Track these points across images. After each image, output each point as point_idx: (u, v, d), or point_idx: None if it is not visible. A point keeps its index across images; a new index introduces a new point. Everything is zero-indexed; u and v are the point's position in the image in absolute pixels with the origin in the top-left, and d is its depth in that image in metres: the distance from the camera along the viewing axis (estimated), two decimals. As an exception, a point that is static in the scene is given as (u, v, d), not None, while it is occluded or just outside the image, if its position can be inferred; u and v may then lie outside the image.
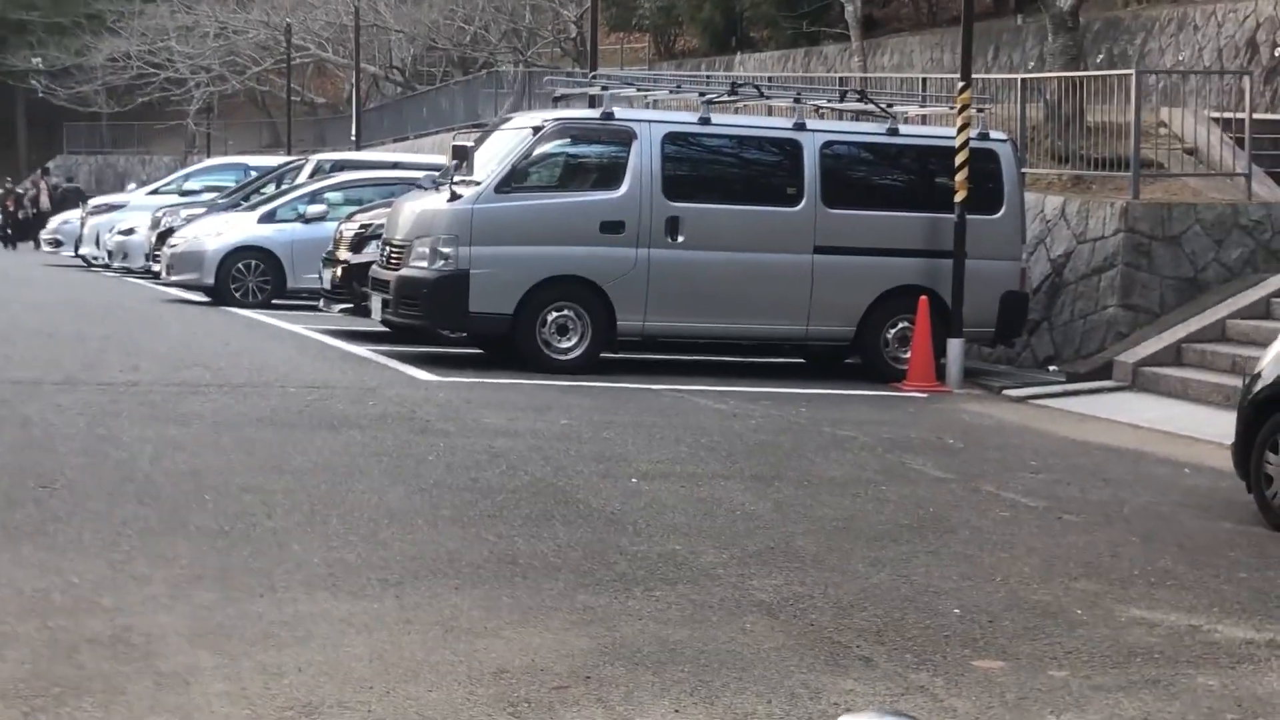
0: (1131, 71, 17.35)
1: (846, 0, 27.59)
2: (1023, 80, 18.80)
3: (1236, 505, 9.87)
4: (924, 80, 20.55)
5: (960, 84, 15.79)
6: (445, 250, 14.90)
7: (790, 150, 15.69)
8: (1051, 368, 16.69)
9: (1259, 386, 9.35)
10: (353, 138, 42.51)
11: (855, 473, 10.71)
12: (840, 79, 22.12)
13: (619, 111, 15.52)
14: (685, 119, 15.76)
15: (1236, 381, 14.21)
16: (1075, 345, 16.67)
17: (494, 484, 9.63)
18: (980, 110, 16.06)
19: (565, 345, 15.17)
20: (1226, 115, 18.68)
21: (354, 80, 45.98)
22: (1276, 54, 23.18)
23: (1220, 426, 13.21)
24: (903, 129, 16.10)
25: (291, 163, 27.07)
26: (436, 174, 16.72)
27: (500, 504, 9.08)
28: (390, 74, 50.45)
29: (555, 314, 15.11)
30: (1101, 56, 25.28)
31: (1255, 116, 17.86)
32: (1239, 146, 17.61)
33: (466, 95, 40.63)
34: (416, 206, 15.57)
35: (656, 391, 14.26)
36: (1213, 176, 17.38)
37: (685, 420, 12.65)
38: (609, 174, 15.36)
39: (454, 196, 15.02)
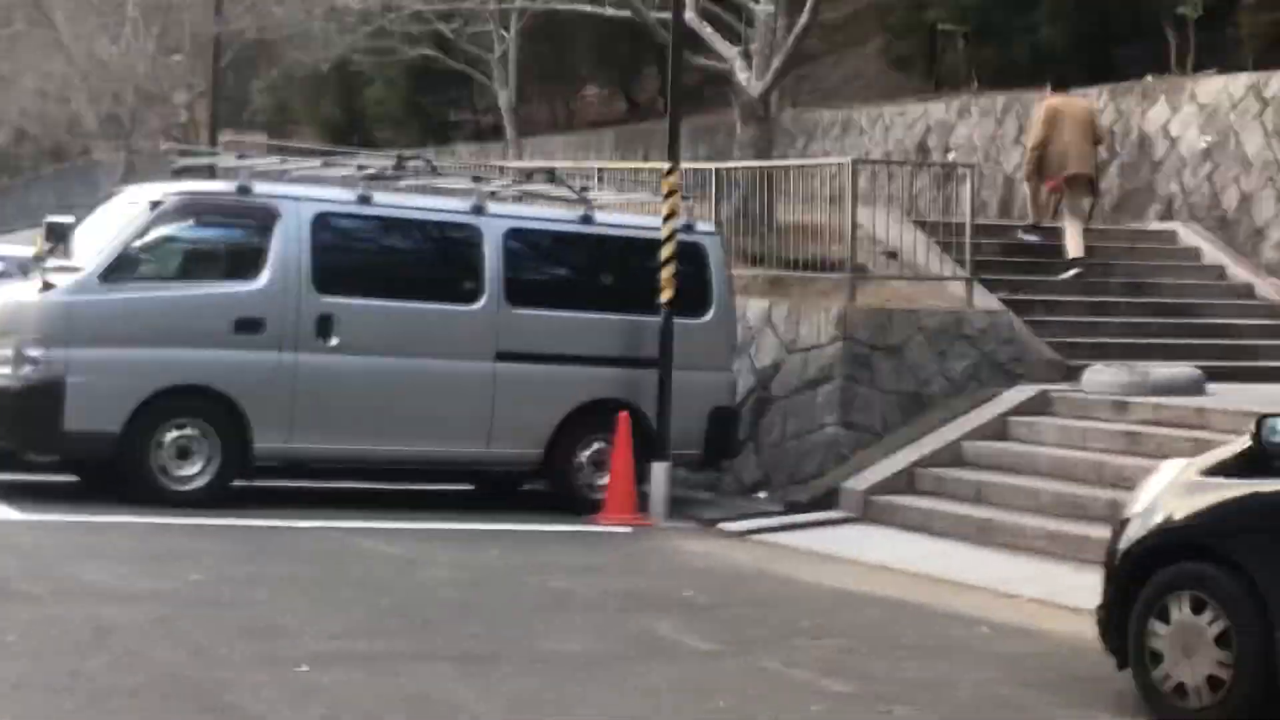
0: (847, 160, 15.47)
1: (500, 88, 25.39)
2: (716, 170, 16.75)
3: (1100, 686, 7.67)
4: (600, 172, 18.36)
5: (667, 166, 13.54)
6: (33, 353, 11.78)
7: (468, 238, 13.12)
8: (761, 494, 14.47)
9: (1135, 536, 7.18)
10: (-73, 233, 37.99)
11: (597, 645, 8.12)
12: (500, 169, 19.68)
13: (259, 186, 12.70)
14: (340, 197, 13.02)
15: (984, 512, 12.33)
16: (789, 469, 14.50)
17: (103, 682, 6.72)
18: (686, 199, 13.84)
19: (187, 473, 12.14)
20: (926, 220, 17.01)
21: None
22: (950, 158, 21.92)
23: (981, 567, 11.24)
24: (598, 217, 13.73)
25: None
26: (27, 259, 13.50)
27: (113, 715, 6.17)
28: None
29: (175, 433, 12.10)
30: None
31: (943, 221, 16.23)
32: (944, 251, 15.91)
33: (59, 187, 36.85)
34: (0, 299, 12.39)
35: (308, 531, 11.39)
36: (930, 281, 15.60)
37: (354, 571, 9.86)
38: (246, 261, 12.49)
39: (46, 286, 11.92)
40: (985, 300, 15.47)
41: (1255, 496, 6.71)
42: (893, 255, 16.26)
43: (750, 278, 15.94)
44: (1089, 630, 9.06)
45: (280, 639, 7.76)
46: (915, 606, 9.95)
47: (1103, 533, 11.23)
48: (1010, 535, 11.84)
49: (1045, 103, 17.39)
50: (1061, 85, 17.67)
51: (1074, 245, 16.76)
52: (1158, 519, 7.09)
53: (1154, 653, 7.05)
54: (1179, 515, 6.99)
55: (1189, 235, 18.13)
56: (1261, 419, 6.55)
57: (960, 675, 7.90)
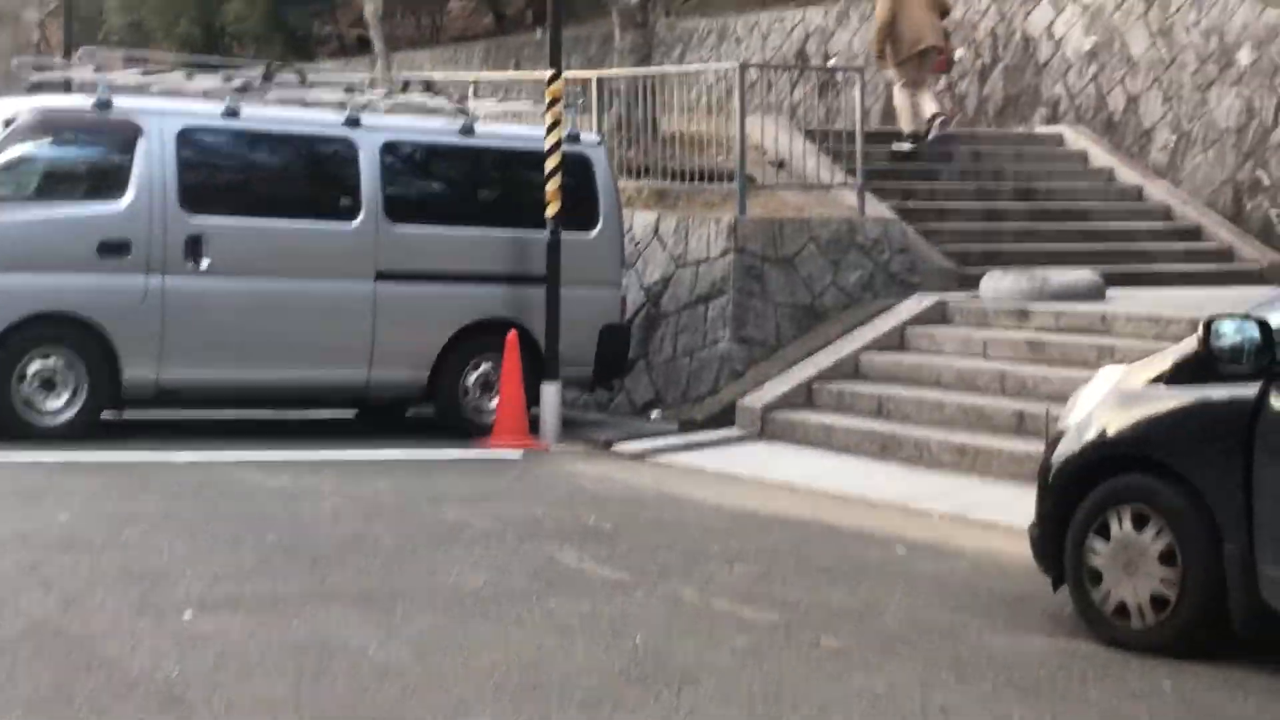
0: (735, 64, 14.94)
1: (367, 1, 24.47)
2: (599, 79, 16.15)
3: (1031, 607, 7.35)
4: (475, 84, 17.67)
5: (550, 74, 12.94)
6: (-120, 282, 11.02)
7: (343, 152, 12.45)
8: (654, 413, 14.04)
9: (1072, 450, 6.81)
10: None
11: (500, 579, 7.65)
12: (372, 81, 18.80)
13: (119, 101, 11.94)
14: (206, 110, 12.28)
15: (887, 426, 12.00)
16: (681, 387, 14.08)
17: (-31, 638, 6.13)
18: (570, 108, 13.26)
19: (53, 405, 11.46)
20: (815, 128, 16.59)
21: None
22: (830, 64, 21.49)
23: (887, 484, 10.92)
24: (479, 128, 13.10)
25: None
26: None
27: (-18, 679, 5.62)
28: None
29: (39, 363, 11.41)
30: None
31: (831, 129, 15.84)
32: (832, 160, 15.50)
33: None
34: None
35: (184, 465, 10.77)
36: (821, 189, 15.17)
37: (236, 506, 9.28)
38: (108, 181, 11.76)
39: (-108, 209, 11.13)
40: (877, 209, 15.10)
41: (1203, 404, 6.35)
42: (780, 165, 15.83)
43: (635, 190, 15.44)
44: (1007, 547, 8.82)
45: (159, 583, 7.20)
46: (824, 527, 9.58)
47: (1010, 445, 11.04)
48: (915, 449, 11.52)
49: None
50: None
51: (920, 114, 16.49)
52: (1096, 430, 6.73)
53: (1093, 571, 6.71)
54: (1119, 426, 6.63)
55: (1076, 138, 17.89)
56: (1209, 321, 6.19)
57: (884, 599, 7.53)
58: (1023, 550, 8.50)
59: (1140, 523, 6.54)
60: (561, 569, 7.96)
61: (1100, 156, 17.49)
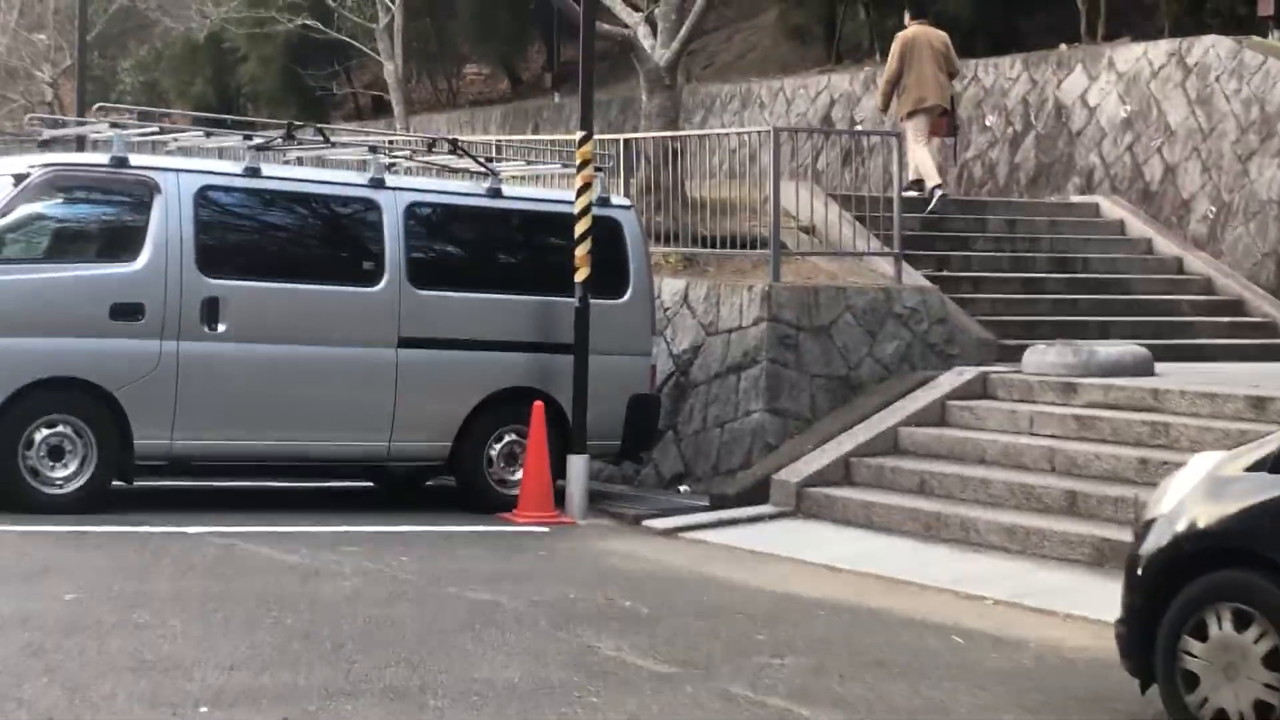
0: (769, 127, 14.53)
1: (386, 59, 24.14)
2: (625, 141, 15.73)
3: (1112, 709, 6.82)
4: (498, 145, 17.25)
5: (580, 135, 12.51)
6: (-116, 344, 10.56)
7: (367, 214, 12.01)
8: (683, 488, 13.53)
9: (1163, 541, 6.29)
10: None
11: (536, 670, 7.13)
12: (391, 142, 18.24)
13: (135, 158, 11.51)
14: (225, 169, 11.87)
15: (930, 504, 11.49)
16: (711, 459, 13.57)
17: (-34, 737, 5.62)
18: (599, 170, 12.82)
19: (60, 475, 10.97)
20: (843, 193, 16.19)
21: None
22: (857, 129, 21.13)
23: (934, 566, 10.39)
24: (507, 190, 12.66)
25: None
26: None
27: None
28: None
29: (46, 431, 10.93)
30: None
31: (865, 194, 15.43)
32: (864, 225, 15.07)
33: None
34: None
35: (195, 538, 10.28)
36: (853, 257, 14.73)
37: (251, 585, 8.77)
38: (123, 241, 11.31)
39: (-102, 269, 10.67)
40: (912, 277, 14.65)
41: (1313, 494, 5.85)
42: (809, 231, 15.40)
43: (662, 256, 15.01)
44: (1070, 637, 8.31)
45: (172, 673, 6.70)
46: (873, 612, 9.05)
47: (1062, 525, 10.51)
48: (961, 529, 11.00)
49: (900, 35, 16.70)
50: (919, 14, 16.89)
51: (929, 172, 16.18)
52: (1189, 520, 6.21)
53: (1188, 674, 6.17)
54: (1217, 516, 6.12)
55: (1112, 208, 17.47)
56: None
57: (950, 698, 7.00)
58: (1087, 642, 8.04)
59: (1242, 622, 6.02)
60: (601, 659, 7.45)
61: (1138, 227, 17.05)
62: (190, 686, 6.48)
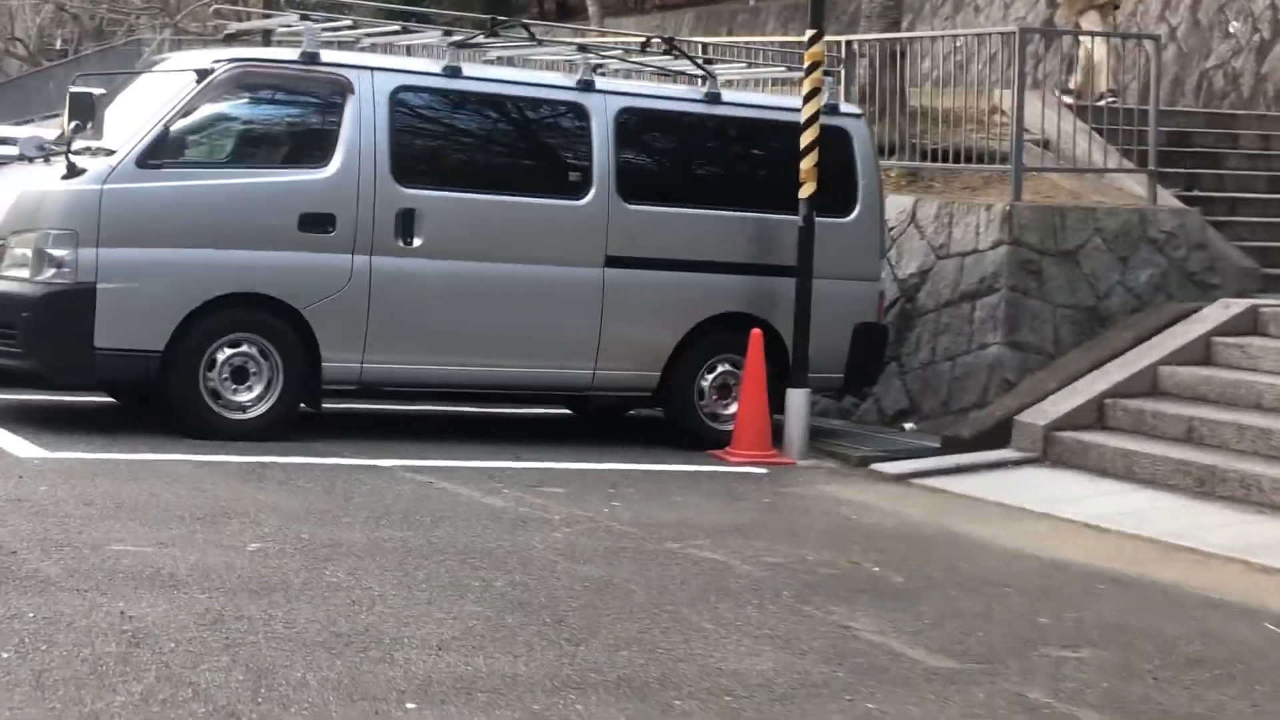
0: (1014, 28, 13.17)
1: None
2: (847, 43, 14.43)
3: None
4: (709, 48, 15.95)
5: (809, 34, 11.29)
6: (58, 252, 9.73)
7: (574, 119, 10.95)
8: (908, 425, 12.36)
9: None
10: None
11: (791, 661, 6.05)
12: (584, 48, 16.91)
13: (327, 54, 10.55)
14: (424, 68, 10.87)
15: (1202, 456, 10.18)
16: (941, 396, 12.36)
17: (134, 739, 4.70)
18: (829, 74, 11.59)
19: (245, 398, 10.12)
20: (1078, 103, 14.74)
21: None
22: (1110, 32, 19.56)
23: (1215, 530, 9.11)
24: (726, 95, 11.50)
25: None
26: (47, 140, 11.39)
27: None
28: (12, 46, 43.68)
29: (229, 351, 10.07)
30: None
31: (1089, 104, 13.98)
32: (1109, 141, 13.64)
33: (101, 69, 34.56)
34: (14, 186, 10.30)
35: (387, 473, 9.36)
36: (1104, 174, 13.35)
37: (453, 536, 7.81)
38: (312, 145, 10.38)
39: (73, 171, 9.81)
40: (1165, 198, 13.24)
41: None
42: (1045, 145, 14.02)
43: (883, 170, 13.73)
44: None
45: (371, 651, 5.73)
46: (1161, 589, 7.85)
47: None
48: (1240, 486, 9.72)
49: None
50: None
51: (1100, 79, 14.85)
52: None
53: None
54: None
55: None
56: None
57: (1296, 713, 5.81)
58: None
59: None
60: (863, 646, 6.35)
61: None
62: (393, 673, 5.51)
